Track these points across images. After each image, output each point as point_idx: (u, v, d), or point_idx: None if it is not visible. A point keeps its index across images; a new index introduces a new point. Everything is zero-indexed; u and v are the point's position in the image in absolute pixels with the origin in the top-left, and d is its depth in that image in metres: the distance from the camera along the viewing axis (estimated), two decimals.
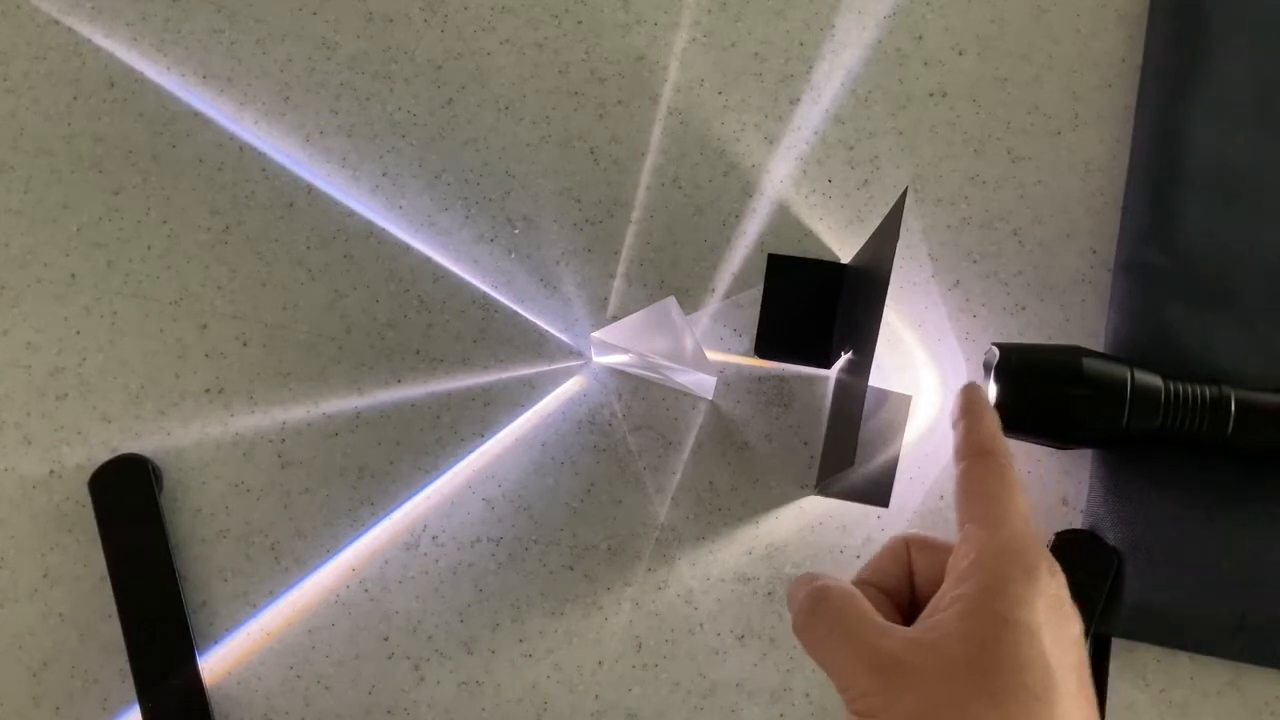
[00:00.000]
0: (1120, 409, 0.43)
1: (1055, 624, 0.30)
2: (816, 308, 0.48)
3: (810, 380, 0.48)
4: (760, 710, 0.45)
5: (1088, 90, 0.51)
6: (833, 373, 0.48)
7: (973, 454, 0.34)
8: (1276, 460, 0.44)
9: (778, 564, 0.47)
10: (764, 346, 0.48)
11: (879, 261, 0.41)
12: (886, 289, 0.39)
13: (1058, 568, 0.31)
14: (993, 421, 0.35)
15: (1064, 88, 0.51)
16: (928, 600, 0.32)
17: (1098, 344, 0.48)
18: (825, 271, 0.49)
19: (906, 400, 0.47)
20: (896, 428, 0.46)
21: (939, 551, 0.33)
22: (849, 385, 0.44)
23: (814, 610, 0.32)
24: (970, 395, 0.36)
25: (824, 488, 0.46)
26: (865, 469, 0.46)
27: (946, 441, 0.47)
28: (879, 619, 0.31)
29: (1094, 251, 0.49)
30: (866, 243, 0.47)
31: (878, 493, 0.46)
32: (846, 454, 0.40)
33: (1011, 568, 0.30)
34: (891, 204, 0.50)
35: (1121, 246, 0.49)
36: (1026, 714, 0.28)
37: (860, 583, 0.34)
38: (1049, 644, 0.29)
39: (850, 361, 0.44)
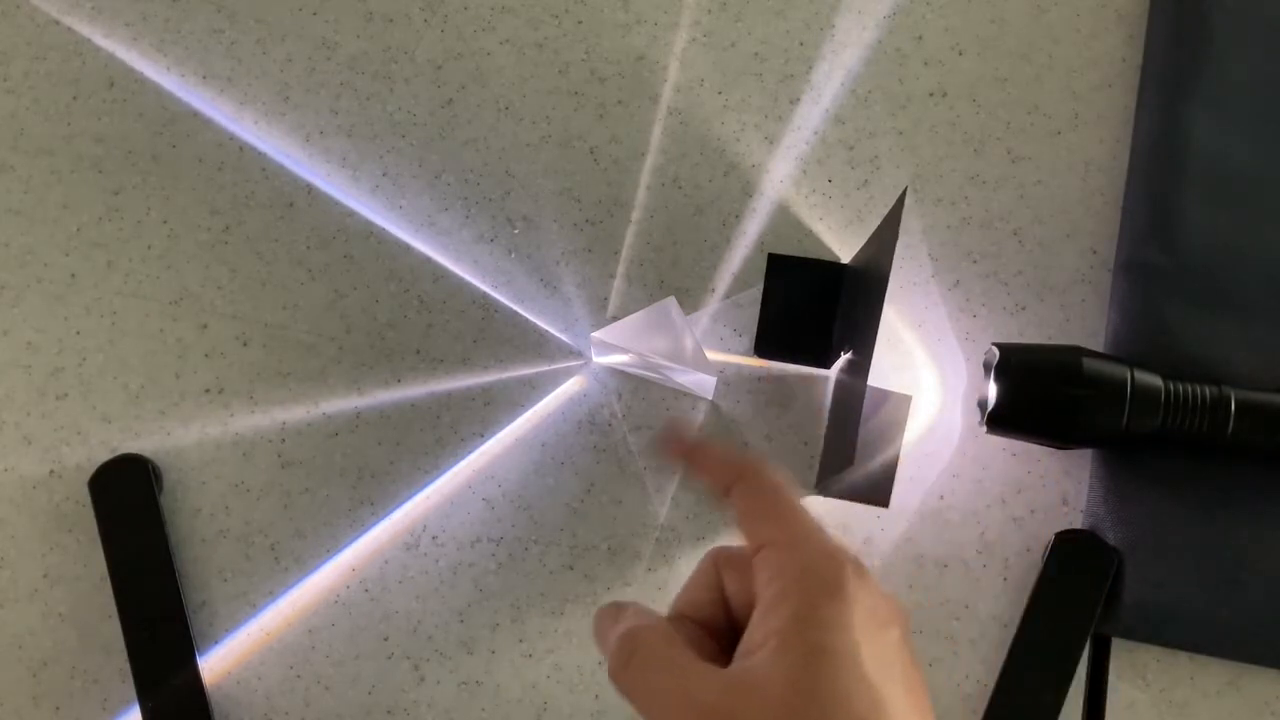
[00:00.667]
0: (1120, 409, 0.43)
1: (872, 636, 0.28)
2: (816, 308, 0.48)
3: (810, 380, 0.48)
4: None
5: (1088, 90, 0.51)
6: (833, 373, 0.48)
7: (731, 477, 0.32)
8: (1276, 460, 0.44)
9: None
10: (764, 346, 0.48)
11: (879, 261, 0.41)
12: (886, 289, 0.39)
13: (863, 567, 0.30)
14: (712, 448, 0.33)
15: (1064, 88, 0.51)
16: (744, 620, 0.31)
17: (1098, 344, 0.48)
18: (825, 271, 0.49)
19: (906, 400, 0.47)
20: (896, 428, 0.46)
21: (746, 570, 0.32)
22: (849, 385, 0.44)
23: (629, 659, 0.30)
24: (672, 436, 0.34)
25: (824, 488, 0.46)
26: (865, 469, 0.46)
27: (947, 442, 0.47)
28: (696, 663, 0.29)
29: (1094, 251, 0.49)
30: (866, 243, 0.47)
31: (878, 493, 0.46)
32: (846, 454, 0.40)
33: (817, 590, 0.28)
34: (891, 204, 0.50)
35: (1121, 246, 0.49)
36: None
37: (675, 617, 0.32)
38: (869, 662, 0.28)
39: (850, 361, 0.44)
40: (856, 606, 0.28)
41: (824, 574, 0.29)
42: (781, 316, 0.49)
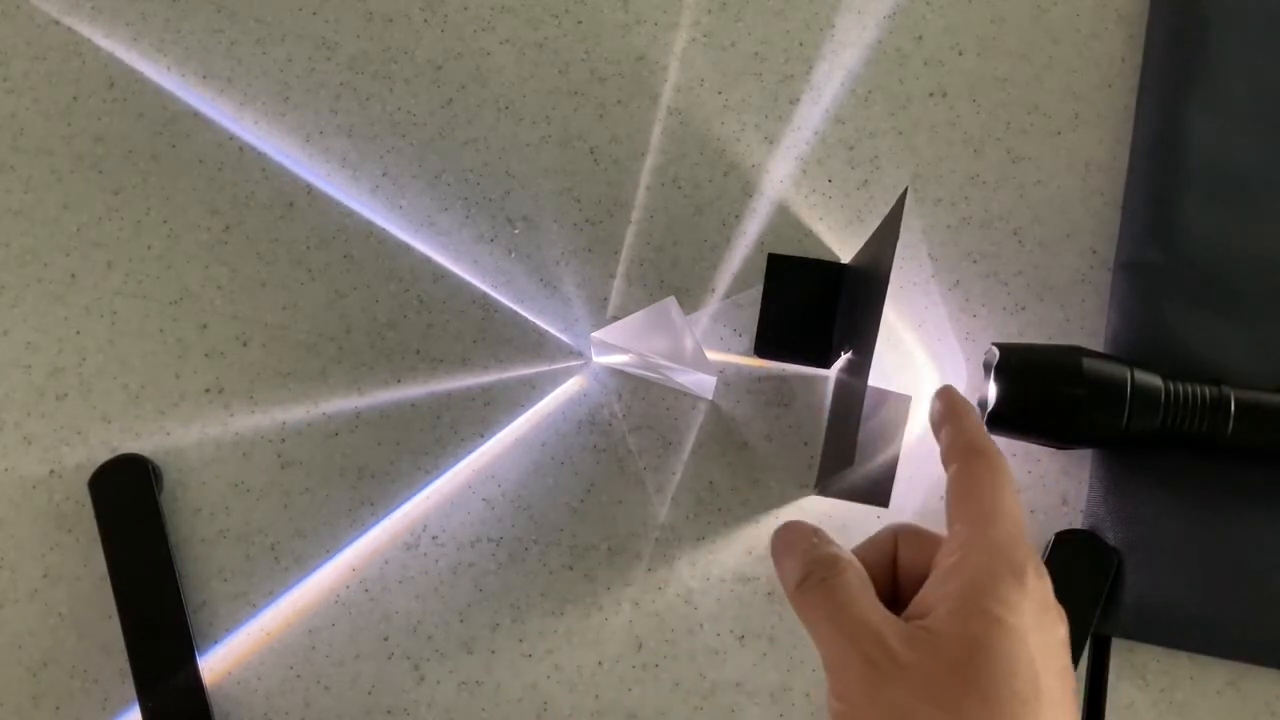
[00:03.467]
0: (1120, 409, 0.43)
1: (1042, 627, 0.30)
2: (816, 307, 0.48)
3: (810, 380, 0.48)
4: (760, 710, 0.45)
5: (1088, 90, 0.51)
6: (832, 373, 0.48)
7: (964, 454, 0.34)
8: (1276, 460, 0.44)
9: None
10: (764, 346, 0.48)
11: (879, 261, 0.41)
12: (886, 289, 0.39)
13: (1044, 569, 0.31)
14: (978, 420, 0.35)
15: (1064, 88, 0.51)
16: (908, 594, 0.32)
17: (1098, 344, 0.48)
18: (825, 271, 0.49)
19: (906, 400, 0.47)
20: (896, 428, 0.46)
21: (926, 544, 0.33)
22: (849, 385, 0.44)
23: (822, 582, 0.31)
24: (950, 397, 0.36)
25: (824, 488, 0.46)
26: (865, 469, 0.46)
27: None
28: (884, 609, 0.31)
29: (1094, 251, 0.49)
30: (867, 243, 0.47)
31: (878, 492, 0.46)
32: (846, 453, 0.40)
33: (1000, 567, 0.30)
34: (891, 204, 0.50)
35: (1121, 246, 0.49)
36: (1015, 717, 0.28)
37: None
38: (1036, 649, 0.29)
39: (850, 361, 0.44)
40: (1032, 595, 0.30)
41: (1010, 557, 0.30)
42: (781, 316, 0.48)
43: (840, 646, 0.30)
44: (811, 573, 0.32)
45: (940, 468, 0.47)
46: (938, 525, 0.47)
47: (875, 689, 0.29)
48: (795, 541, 0.33)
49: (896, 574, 0.34)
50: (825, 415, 0.48)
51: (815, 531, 0.33)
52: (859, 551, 0.34)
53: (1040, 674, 0.29)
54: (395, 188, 0.51)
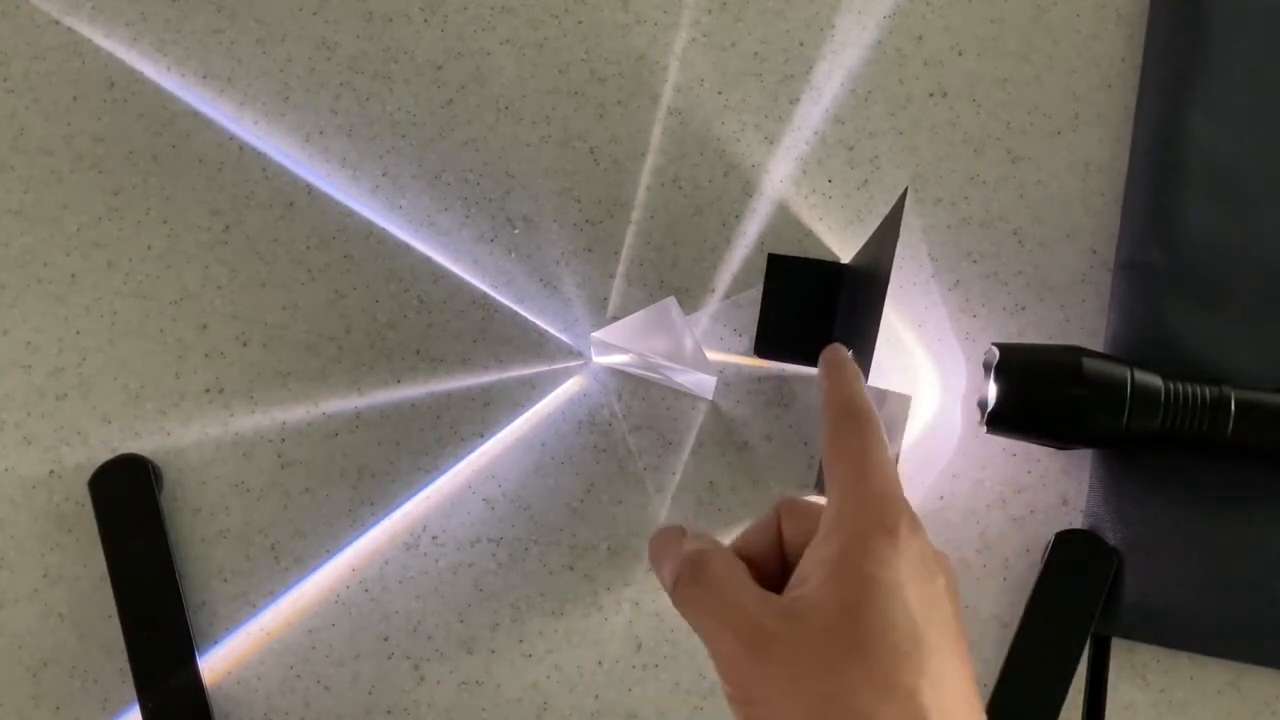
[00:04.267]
0: (1120, 409, 0.42)
1: (920, 579, 0.30)
2: (816, 308, 0.48)
3: (810, 380, 0.48)
4: None
5: (1088, 90, 0.51)
6: None
7: (834, 417, 0.34)
8: (1276, 460, 0.44)
9: None
10: (763, 346, 0.48)
11: (879, 261, 0.41)
12: (886, 289, 0.39)
13: (919, 523, 0.31)
14: (854, 380, 0.35)
15: (1064, 88, 0.51)
16: (796, 564, 0.32)
17: (1098, 344, 0.48)
18: (825, 271, 0.49)
19: (906, 400, 0.47)
20: (896, 428, 0.46)
21: (809, 515, 0.33)
22: None
23: (696, 576, 0.32)
24: (831, 356, 0.36)
25: (824, 487, 0.46)
26: None
27: (947, 442, 0.47)
28: (757, 589, 0.31)
29: (1094, 251, 0.49)
30: (867, 243, 0.47)
31: None
32: None
33: (871, 526, 0.30)
34: (891, 204, 0.50)
35: (1121, 246, 0.49)
36: (897, 671, 0.28)
37: (733, 550, 0.34)
38: (914, 600, 0.29)
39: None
40: (906, 549, 0.30)
41: (880, 514, 0.31)
42: (781, 316, 0.48)
43: (717, 634, 0.31)
44: (682, 572, 0.32)
45: (940, 467, 0.47)
46: (936, 524, 0.47)
47: (757, 666, 0.30)
48: (665, 547, 0.34)
49: (784, 550, 0.34)
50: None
51: (682, 532, 0.34)
52: (745, 536, 0.35)
53: (920, 625, 0.29)
54: (395, 188, 0.51)
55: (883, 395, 0.46)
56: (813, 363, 0.48)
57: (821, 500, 0.33)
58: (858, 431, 0.33)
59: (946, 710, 0.28)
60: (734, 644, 0.30)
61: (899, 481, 0.32)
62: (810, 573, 0.31)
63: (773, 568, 0.34)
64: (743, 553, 0.34)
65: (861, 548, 0.30)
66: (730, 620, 0.30)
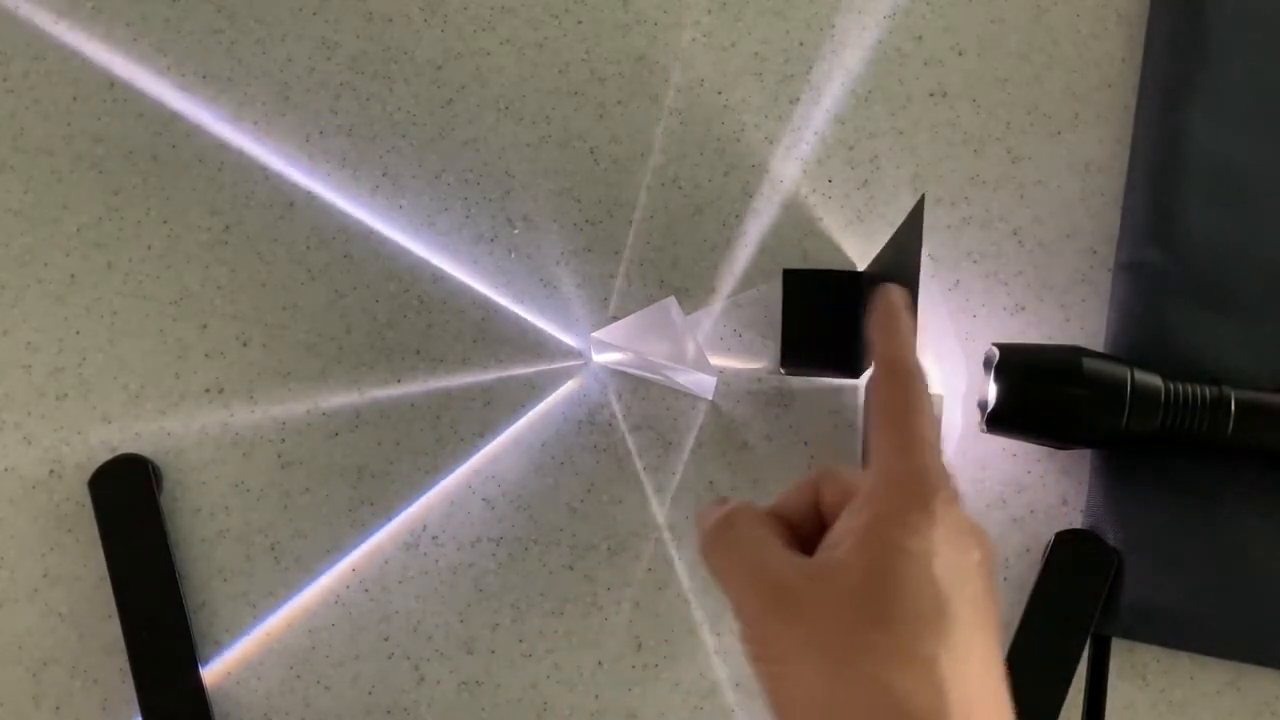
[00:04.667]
0: (1120, 409, 0.43)
1: (952, 552, 0.29)
2: (838, 317, 0.47)
3: (810, 381, 0.48)
4: (760, 710, 0.45)
5: (1088, 90, 0.51)
6: (863, 381, 0.48)
7: (886, 373, 0.33)
8: (1276, 460, 0.44)
9: None
10: (790, 362, 0.48)
11: (902, 269, 0.41)
12: (917, 298, 0.38)
13: (957, 496, 0.31)
14: (906, 333, 0.34)
15: (1064, 88, 0.51)
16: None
17: (1098, 344, 0.48)
18: (842, 280, 0.48)
19: (939, 400, 0.46)
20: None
21: (847, 484, 0.33)
22: None
23: (721, 535, 0.32)
24: (886, 301, 0.35)
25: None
26: None
27: (947, 442, 0.47)
28: (780, 547, 0.31)
29: (1094, 251, 0.49)
30: (884, 249, 0.47)
31: None
32: None
33: (907, 496, 0.30)
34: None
35: (1121, 246, 0.49)
36: (917, 639, 0.28)
37: (769, 512, 0.34)
38: (943, 571, 0.29)
39: None
40: (940, 523, 0.29)
41: (916, 486, 0.30)
42: (804, 331, 0.48)
43: (740, 592, 0.31)
44: (709, 535, 0.33)
45: (970, 465, 0.47)
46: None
47: (777, 624, 0.30)
48: (701, 515, 0.34)
49: (822, 514, 0.34)
50: (824, 414, 0.48)
51: (722, 500, 0.34)
52: (783, 496, 0.34)
53: (948, 596, 0.28)
54: (395, 188, 0.51)
55: None
56: (842, 373, 0.47)
57: (859, 472, 0.33)
58: (903, 394, 0.32)
59: (967, 683, 0.28)
60: (755, 601, 0.30)
61: (939, 450, 0.31)
62: (841, 537, 0.30)
63: (809, 530, 0.33)
64: (780, 513, 0.34)
65: (895, 516, 0.29)
66: (753, 577, 0.31)
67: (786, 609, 0.30)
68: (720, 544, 0.32)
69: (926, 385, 0.32)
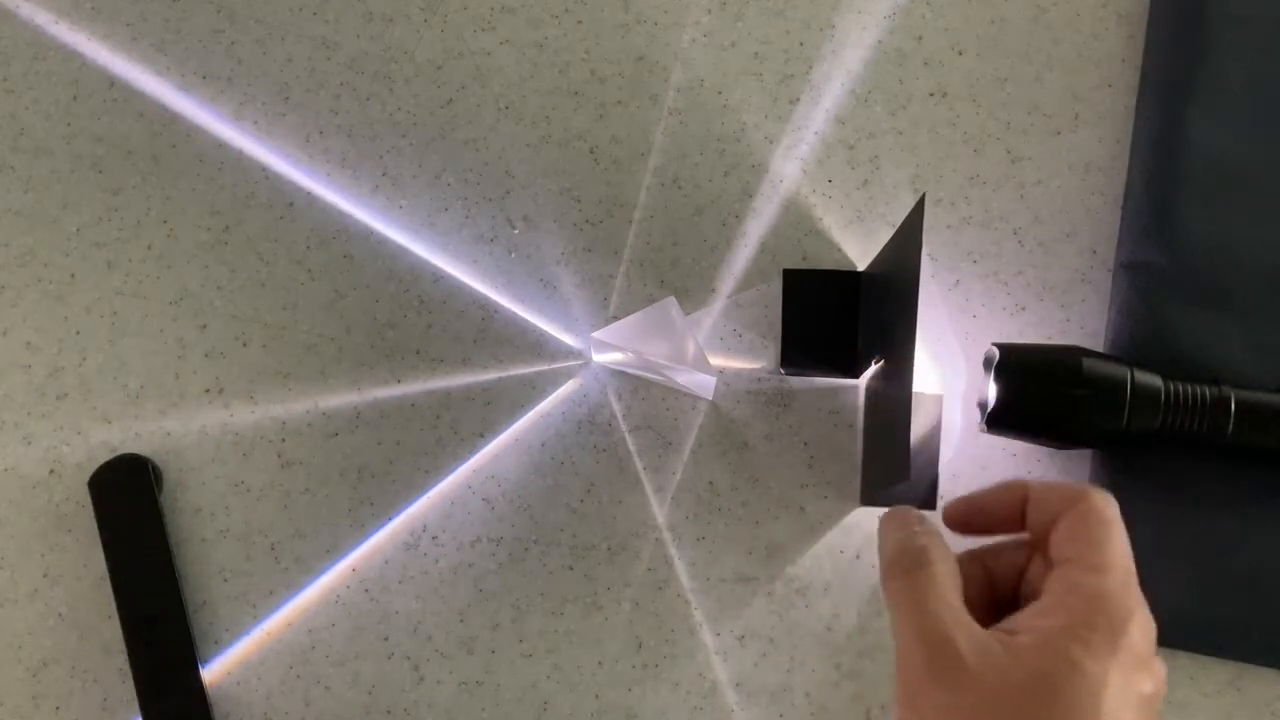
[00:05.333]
0: (1120, 409, 0.42)
1: (1125, 679, 0.29)
2: (838, 318, 0.48)
3: (810, 381, 0.48)
4: (760, 710, 0.45)
5: (1088, 90, 0.51)
6: (862, 382, 0.48)
7: (1076, 499, 0.33)
8: (1276, 460, 0.44)
9: (778, 564, 0.47)
10: (790, 361, 0.48)
11: (903, 269, 0.41)
12: (916, 299, 0.38)
13: (1150, 623, 0.31)
14: (1051, 484, 0.35)
15: (1064, 88, 0.51)
16: (1005, 591, 0.33)
17: (1098, 344, 0.48)
18: (842, 281, 0.48)
19: (938, 400, 0.46)
20: (933, 429, 0.46)
21: (1056, 506, 0.33)
22: (886, 396, 0.43)
23: (905, 572, 0.32)
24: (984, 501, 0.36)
25: (872, 499, 0.45)
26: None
27: (947, 442, 0.47)
28: (962, 610, 0.31)
29: (1094, 251, 0.49)
30: (884, 250, 0.47)
31: (923, 497, 0.45)
32: (899, 466, 0.38)
33: (1100, 618, 0.30)
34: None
35: (1121, 246, 0.49)
36: None
37: (971, 557, 0.34)
38: (1110, 698, 0.29)
39: (884, 370, 0.44)
40: (1125, 649, 0.29)
41: (1113, 609, 0.30)
42: (804, 331, 0.48)
43: (909, 640, 0.31)
44: (899, 561, 0.32)
45: (940, 467, 0.47)
46: (936, 525, 0.46)
47: (931, 684, 0.30)
48: (897, 526, 0.34)
49: (1028, 528, 0.34)
50: (828, 417, 0.48)
51: (920, 519, 0.34)
52: (989, 550, 0.35)
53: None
54: (395, 188, 0.51)
55: (920, 398, 0.46)
56: (841, 373, 0.48)
57: (1070, 488, 0.33)
58: (1097, 517, 0.33)
59: None
60: (920, 653, 0.30)
61: (1135, 579, 0.32)
62: (1025, 627, 0.30)
63: (1002, 589, 0.34)
64: (984, 558, 0.34)
65: (1080, 634, 0.29)
66: (927, 629, 0.30)
67: (945, 672, 0.30)
68: (908, 583, 0.32)
69: (1118, 519, 0.33)
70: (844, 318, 0.48)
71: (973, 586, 0.33)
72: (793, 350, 0.48)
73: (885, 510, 0.35)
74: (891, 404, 0.42)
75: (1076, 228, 0.50)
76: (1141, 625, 0.30)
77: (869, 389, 0.47)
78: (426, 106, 0.52)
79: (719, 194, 0.51)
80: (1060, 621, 0.30)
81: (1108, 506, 0.33)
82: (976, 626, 0.31)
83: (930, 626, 0.30)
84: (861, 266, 0.49)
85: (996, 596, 0.34)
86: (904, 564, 0.32)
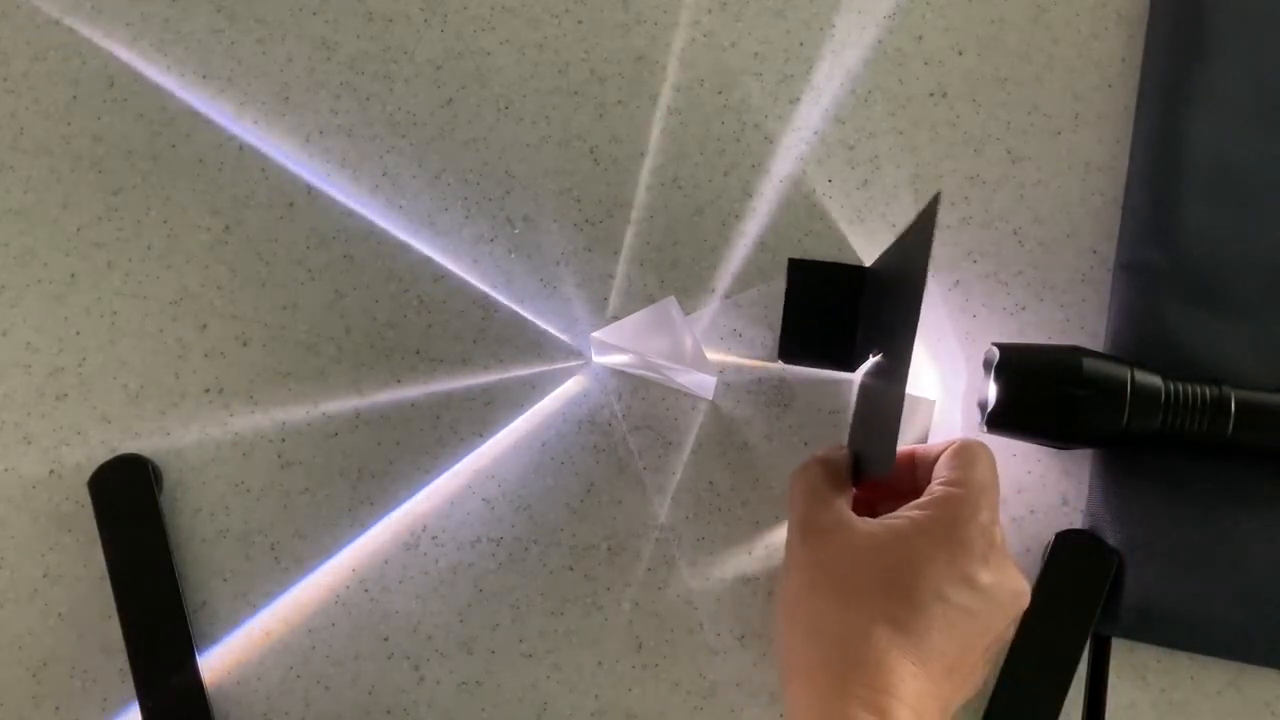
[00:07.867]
0: (1120, 409, 0.42)
1: (950, 563, 0.36)
2: (839, 311, 0.48)
3: (810, 380, 0.48)
4: (760, 710, 0.45)
5: (1088, 90, 0.51)
6: (857, 376, 0.48)
7: (954, 442, 0.41)
8: (1276, 460, 0.44)
9: (778, 564, 0.47)
10: (788, 351, 0.48)
11: (911, 267, 0.41)
12: (922, 297, 0.38)
13: (995, 534, 0.38)
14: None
15: (1064, 88, 0.51)
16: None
17: (1098, 344, 0.48)
18: (846, 274, 0.48)
19: (930, 405, 0.47)
20: (922, 431, 0.46)
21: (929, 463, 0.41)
22: (880, 390, 0.43)
23: (799, 471, 0.42)
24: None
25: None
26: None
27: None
28: (832, 494, 0.40)
29: (1094, 251, 0.49)
30: (891, 247, 0.47)
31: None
32: (885, 460, 0.39)
33: (943, 512, 0.38)
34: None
35: (1121, 246, 0.49)
36: (876, 610, 0.36)
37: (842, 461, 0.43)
38: (933, 573, 0.36)
39: (880, 366, 0.44)
40: (958, 541, 0.37)
41: (955, 510, 0.38)
42: (804, 321, 0.48)
43: (790, 518, 0.41)
44: (794, 474, 0.42)
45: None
46: None
47: (799, 547, 0.40)
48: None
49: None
50: (825, 414, 0.48)
51: (838, 446, 0.44)
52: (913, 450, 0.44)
53: (925, 596, 0.36)
54: (395, 188, 0.51)
55: (914, 402, 0.46)
56: (838, 366, 0.48)
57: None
58: (970, 455, 0.40)
59: (880, 664, 0.35)
60: (794, 530, 0.40)
61: (994, 504, 0.39)
62: (886, 518, 0.39)
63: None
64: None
65: (919, 522, 0.38)
66: (800, 512, 0.40)
67: (814, 537, 0.39)
68: (793, 478, 0.42)
69: (988, 461, 0.40)
70: (845, 311, 0.48)
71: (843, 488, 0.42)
72: (791, 340, 0.48)
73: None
74: (884, 398, 0.42)
75: (1076, 228, 0.50)
76: (982, 529, 0.37)
77: (863, 384, 0.47)
78: (426, 106, 0.52)
79: (719, 194, 0.51)
80: (911, 514, 0.38)
81: (978, 446, 0.40)
82: (846, 509, 0.40)
83: (805, 507, 0.40)
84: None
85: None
86: (795, 474, 0.42)
